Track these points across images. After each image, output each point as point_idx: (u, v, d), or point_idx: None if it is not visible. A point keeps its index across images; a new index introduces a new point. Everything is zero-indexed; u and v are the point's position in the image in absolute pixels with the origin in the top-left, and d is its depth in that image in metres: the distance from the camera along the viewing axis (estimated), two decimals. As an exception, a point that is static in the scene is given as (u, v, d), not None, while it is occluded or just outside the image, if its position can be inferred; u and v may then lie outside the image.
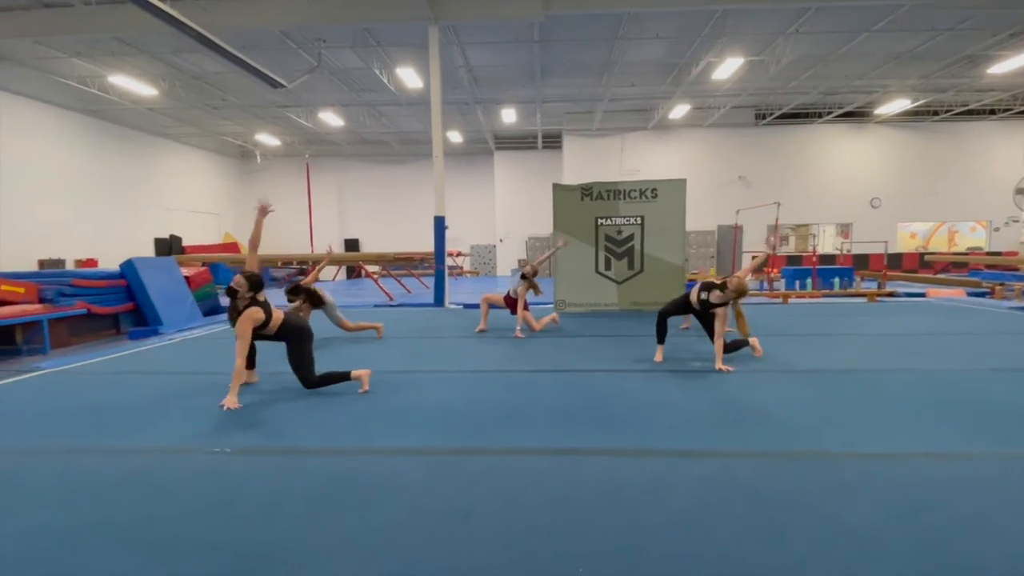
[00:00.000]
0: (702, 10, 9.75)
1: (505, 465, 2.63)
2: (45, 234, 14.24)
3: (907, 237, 19.81)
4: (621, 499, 2.25)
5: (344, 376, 3.93)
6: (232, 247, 20.90)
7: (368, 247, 23.00)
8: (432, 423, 3.28)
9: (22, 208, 13.56)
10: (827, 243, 19.64)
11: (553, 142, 20.77)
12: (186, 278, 8.80)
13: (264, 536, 1.99)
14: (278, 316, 3.77)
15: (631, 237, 8.34)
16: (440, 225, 9.71)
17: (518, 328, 6.33)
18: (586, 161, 18.53)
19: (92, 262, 15.13)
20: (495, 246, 22.50)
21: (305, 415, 3.49)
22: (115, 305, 7.46)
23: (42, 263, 13.91)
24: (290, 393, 3.95)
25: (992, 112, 17.49)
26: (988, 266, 15.44)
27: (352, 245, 23.31)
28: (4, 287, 6.38)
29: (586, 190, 8.43)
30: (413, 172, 22.79)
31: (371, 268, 22.21)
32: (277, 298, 5.26)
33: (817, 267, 11.57)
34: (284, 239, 22.97)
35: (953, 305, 8.97)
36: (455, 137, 19.73)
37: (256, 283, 3.74)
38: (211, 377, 4.48)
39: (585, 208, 8.42)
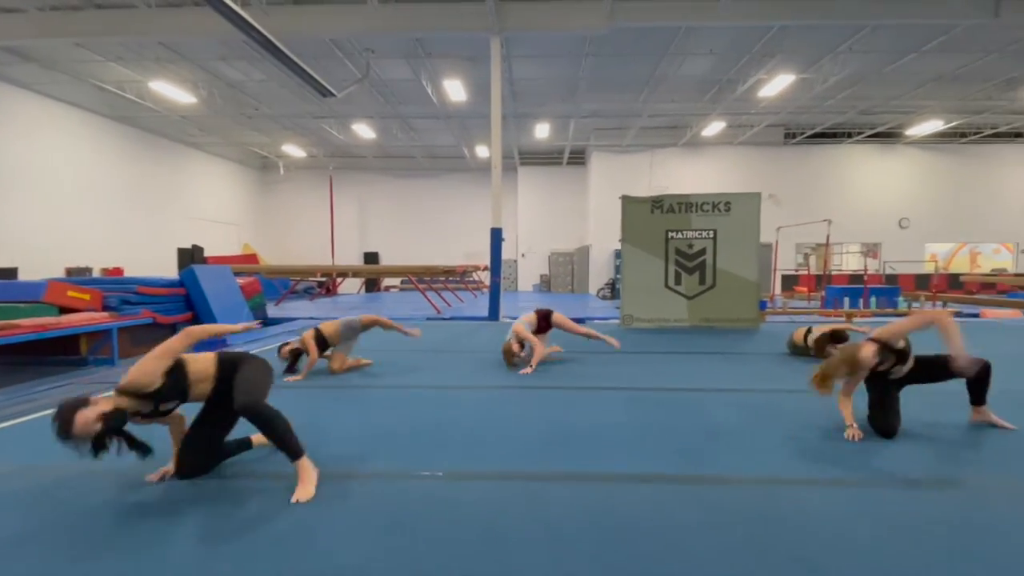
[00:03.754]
0: (759, 26, 9.73)
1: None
2: (70, 241, 13.90)
3: (928, 259, 19.78)
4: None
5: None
6: (251, 258, 20.60)
7: (387, 260, 22.76)
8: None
9: (47, 214, 13.25)
10: (852, 262, 19.56)
11: (577, 158, 20.72)
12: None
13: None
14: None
15: (703, 251, 8.15)
16: (497, 237, 9.51)
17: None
18: (613, 177, 18.42)
19: (118, 271, 14.79)
20: (516, 261, 22.31)
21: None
22: (176, 314, 7.17)
23: (69, 271, 13.57)
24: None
25: (1019, 135, 17.60)
26: (1020, 287, 15.38)
27: (371, 258, 23.06)
28: (71, 293, 6.08)
29: (656, 202, 8.26)
30: (436, 186, 22.67)
31: (391, 281, 22.12)
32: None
33: (869, 287, 11.43)
34: (304, 252, 22.73)
35: (999, 324, 8.79)
36: (482, 152, 19.64)
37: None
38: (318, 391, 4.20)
39: (655, 220, 8.24)
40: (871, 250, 18.95)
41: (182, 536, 1.98)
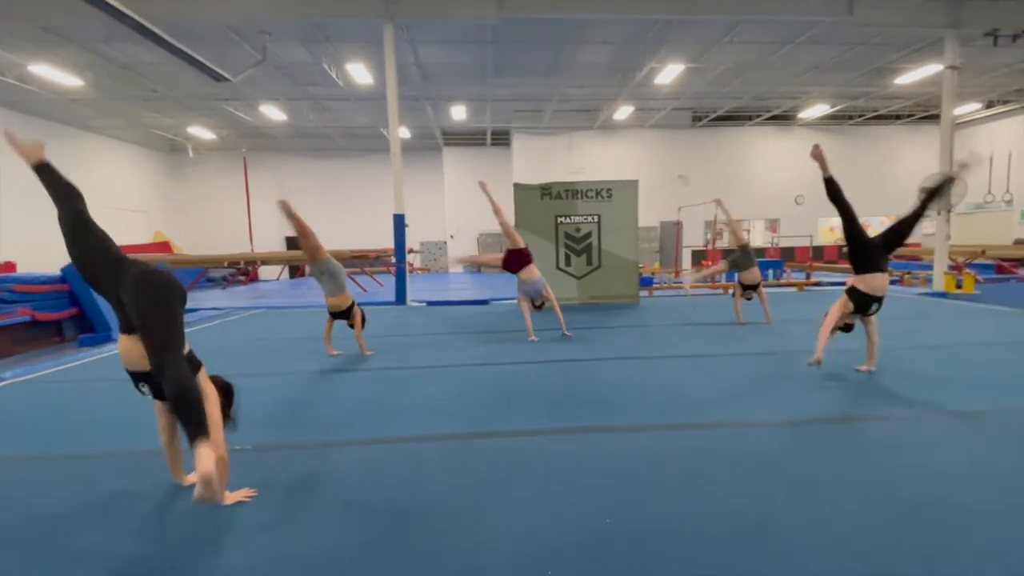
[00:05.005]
0: (646, 19, 10.28)
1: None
2: (-48, 235, 13.00)
3: (827, 231, 21.58)
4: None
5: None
6: (163, 246, 19.78)
7: (312, 245, 22.38)
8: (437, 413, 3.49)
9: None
10: (758, 237, 21.06)
11: (501, 139, 21.00)
12: (132, 281, 8.41)
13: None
14: None
15: (589, 234, 8.75)
16: (400, 223, 9.76)
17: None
18: (534, 159, 18.90)
19: (10, 266, 13.95)
20: (446, 242, 22.52)
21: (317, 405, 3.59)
22: (59, 311, 7.06)
23: (-48, 267, 12.72)
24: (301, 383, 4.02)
25: (898, 117, 19.33)
26: (896, 256, 17.20)
27: (293, 243, 22.60)
28: (-64, 295, 5.93)
29: (545, 190, 8.76)
30: (357, 167, 22.37)
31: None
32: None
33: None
34: (221, 238, 21.98)
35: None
36: (403, 132, 19.51)
37: None
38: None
39: (545, 207, 8.75)
40: (772, 225, 20.45)
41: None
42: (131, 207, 19.66)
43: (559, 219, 8.74)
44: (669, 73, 12.78)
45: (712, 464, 2.63)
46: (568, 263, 8.82)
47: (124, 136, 19.06)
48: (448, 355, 5.36)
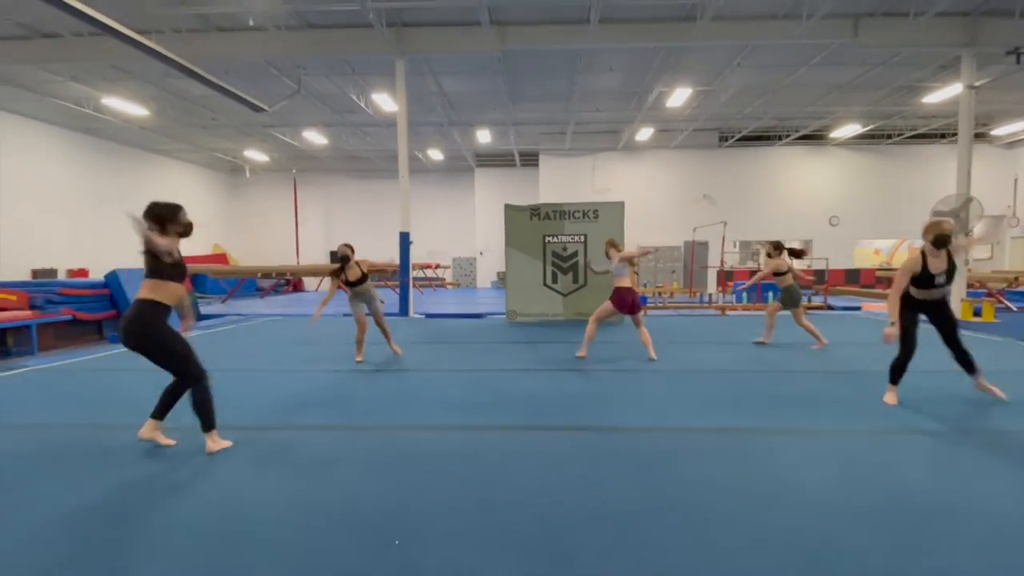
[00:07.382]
0: (644, 48, 10.66)
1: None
2: (41, 245, 14.96)
3: (870, 253, 20.76)
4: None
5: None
6: (220, 258, 21.67)
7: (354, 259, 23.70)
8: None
9: (19, 221, 14.29)
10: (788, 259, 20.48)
11: (531, 160, 21.66)
12: (167, 288, 9.53)
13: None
14: None
15: (575, 253, 9.15)
16: (405, 241, 10.50)
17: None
18: (561, 180, 19.39)
19: (83, 272, 15.83)
20: (476, 259, 23.31)
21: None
22: (99, 312, 8.18)
23: (35, 272, 14.61)
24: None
25: (943, 136, 18.49)
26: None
27: (336, 257, 24.01)
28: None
29: (535, 210, 9.25)
30: (396, 187, 23.56)
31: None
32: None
33: (762, 283, 12.38)
34: (271, 251, 23.75)
35: (873, 318, 9.79)
36: (436, 155, 20.61)
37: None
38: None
39: (534, 227, 9.23)
40: (805, 247, 19.89)
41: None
42: (195, 222, 21.39)
43: (547, 238, 9.19)
44: (679, 96, 13.03)
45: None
46: (555, 280, 9.23)
47: (191, 159, 21.14)
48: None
